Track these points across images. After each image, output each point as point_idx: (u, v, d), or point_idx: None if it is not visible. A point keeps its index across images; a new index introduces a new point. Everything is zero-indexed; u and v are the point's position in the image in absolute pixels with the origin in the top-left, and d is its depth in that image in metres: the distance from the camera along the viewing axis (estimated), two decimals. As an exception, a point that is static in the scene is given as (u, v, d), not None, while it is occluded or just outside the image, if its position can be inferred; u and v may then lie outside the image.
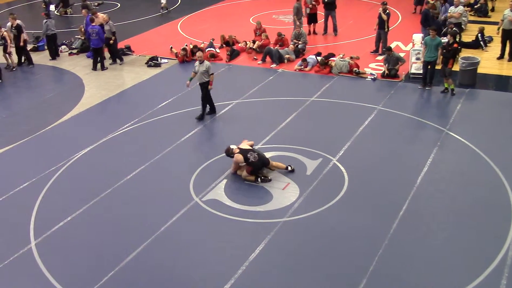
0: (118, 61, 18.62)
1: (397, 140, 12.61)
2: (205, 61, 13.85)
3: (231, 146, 11.40)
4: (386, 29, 17.83)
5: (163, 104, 15.07)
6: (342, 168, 11.44)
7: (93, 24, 17.99)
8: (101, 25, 18.40)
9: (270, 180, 11.06)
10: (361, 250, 8.99)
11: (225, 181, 11.17)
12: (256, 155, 11.08)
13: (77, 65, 18.81)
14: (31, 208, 10.58)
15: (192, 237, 9.53)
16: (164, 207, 10.43)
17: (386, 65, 16.24)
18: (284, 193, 10.69)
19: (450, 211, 9.95)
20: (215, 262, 8.92)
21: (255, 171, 11.10)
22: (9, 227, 10.12)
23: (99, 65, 18.16)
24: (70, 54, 19.94)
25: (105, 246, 9.42)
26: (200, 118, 13.92)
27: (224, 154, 11.55)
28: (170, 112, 14.46)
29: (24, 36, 18.48)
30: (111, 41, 18.29)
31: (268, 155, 11.64)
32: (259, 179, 11.05)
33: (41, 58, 19.67)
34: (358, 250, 9.00)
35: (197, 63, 13.84)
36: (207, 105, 14.12)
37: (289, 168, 11.31)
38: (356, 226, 9.60)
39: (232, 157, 11.24)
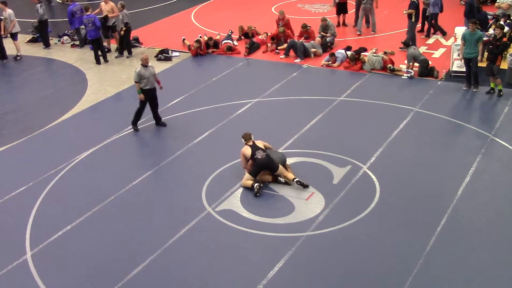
0: (126, 53, 18.78)
1: (436, 146, 12.53)
2: (148, 63, 13.48)
3: (252, 136, 11.44)
4: (413, 20, 17.72)
5: (174, 102, 15.17)
6: (373, 176, 11.40)
7: (88, 13, 18.14)
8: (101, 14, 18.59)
9: (261, 186, 10.99)
10: (393, 269, 8.94)
11: (241, 189, 11.19)
12: (264, 154, 11.09)
13: (80, 58, 19.01)
14: (27, 216, 10.71)
15: (203, 251, 9.56)
16: (173, 217, 10.49)
17: (411, 62, 16.17)
18: (307, 204, 10.68)
19: (495, 227, 9.86)
20: (229, 280, 8.93)
21: (254, 171, 11.10)
22: (3, 236, 10.26)
23: (102, 58, 18.33)
24: (73, 46, 20.16)
25: (107, 259, 9.50)
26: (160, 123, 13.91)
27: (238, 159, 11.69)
28: (181, 111, 14.53)
29: (7, 26, 18.77)
30: (122, 32, 18.40)
31: (289, 161, 11.66)
32: (255, 185, 10.97)
33: (41, 49, 19.93)
34: (390, 269, 8.95)
35: (141, 69, 13.33)
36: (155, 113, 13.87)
37: (296, 180, 11.02)
38: (388, 242, 9.55)
39: (244, 142, 11.38)
